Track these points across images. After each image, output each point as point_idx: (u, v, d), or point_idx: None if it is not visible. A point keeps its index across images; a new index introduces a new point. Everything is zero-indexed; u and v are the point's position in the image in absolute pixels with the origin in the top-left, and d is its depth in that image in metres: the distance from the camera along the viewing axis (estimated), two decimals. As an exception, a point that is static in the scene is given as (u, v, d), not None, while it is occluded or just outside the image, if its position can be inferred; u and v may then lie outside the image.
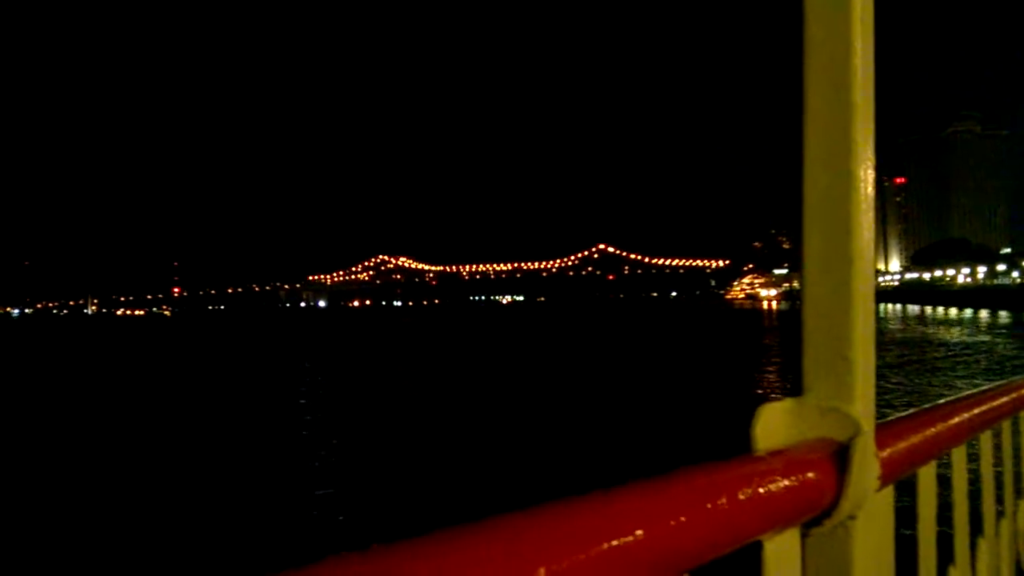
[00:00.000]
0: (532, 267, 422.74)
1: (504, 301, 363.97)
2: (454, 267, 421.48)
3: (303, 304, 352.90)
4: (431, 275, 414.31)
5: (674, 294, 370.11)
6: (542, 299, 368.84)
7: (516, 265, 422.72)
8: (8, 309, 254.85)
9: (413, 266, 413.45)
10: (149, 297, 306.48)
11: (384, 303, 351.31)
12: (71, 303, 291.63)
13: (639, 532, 0.62)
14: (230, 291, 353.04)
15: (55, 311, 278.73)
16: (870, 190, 0.95)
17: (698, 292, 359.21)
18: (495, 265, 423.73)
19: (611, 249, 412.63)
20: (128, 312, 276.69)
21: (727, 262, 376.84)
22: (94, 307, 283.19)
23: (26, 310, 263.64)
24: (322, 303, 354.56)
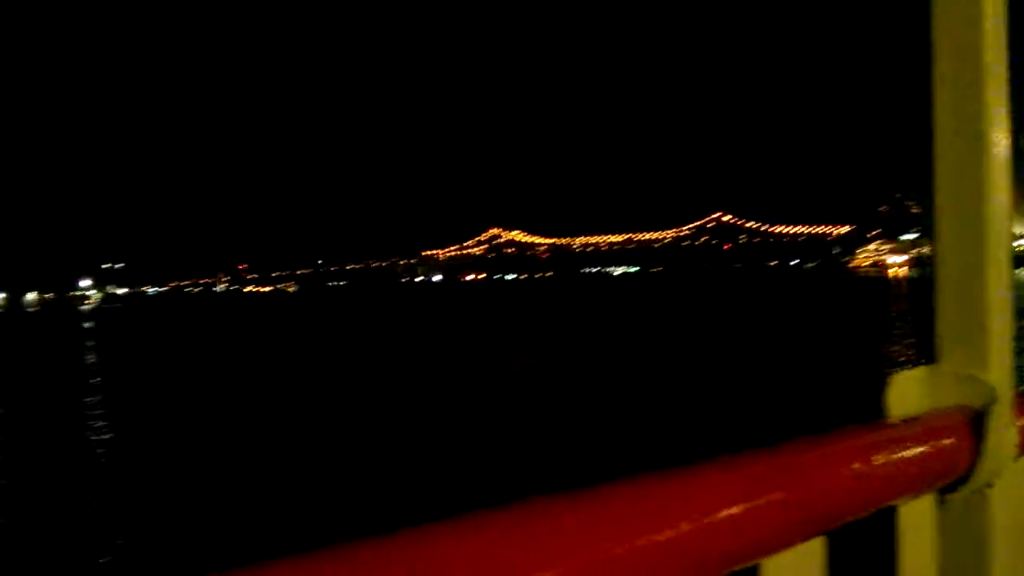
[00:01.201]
0: (645, 238, 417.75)
1: (615, 273, 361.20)
2: (566, 239, 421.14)
3: (419, 279, 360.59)
4: (543, 248, 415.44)
5: (795, 263, 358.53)
6: (657, 270, 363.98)
7: (629, 236, 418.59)
8: (144, 288, 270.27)
9: (525, 239, 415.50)
10: (275, 275, 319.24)
11: (497, 276, 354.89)
12: (202, 281, 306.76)
13: (779, 494, 0.72)
14: (349, 267, 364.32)
15: (187, 289, 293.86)
16: (1004, 152, 0.94)
17: (820, 260, 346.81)
18: (607, 236, 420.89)
19: (727, 217, 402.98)
20: (255, 289, 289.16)
21: (851, 228, 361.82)
22: (224, 285, 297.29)
23: (161, 288, 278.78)
24: (437, 277, 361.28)
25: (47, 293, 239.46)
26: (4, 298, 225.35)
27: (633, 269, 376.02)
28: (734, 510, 0.67)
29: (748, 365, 26.89)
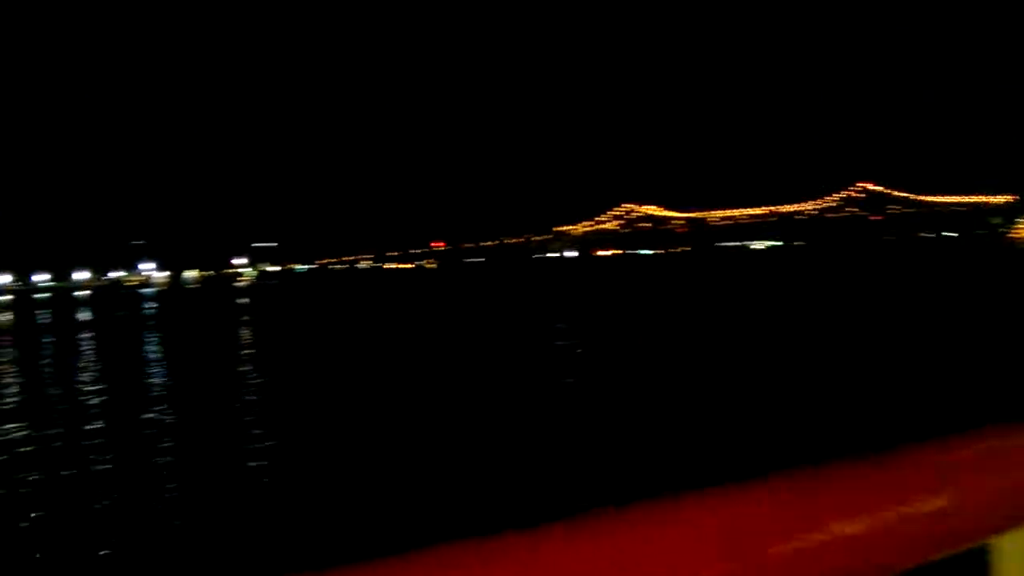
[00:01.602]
0: (787, 210, 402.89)
1: (755, 247, 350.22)
2: (703, 213, 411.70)
3: (553, 255, 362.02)
4: (679, 222, 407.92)
5: (949, 234, 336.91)
6: (800, 243, 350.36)
7: (769, 209, 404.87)
8: (293, 265, 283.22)
9: (661, 213, 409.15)
10: (415, 252, 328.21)
11: (631, 251, 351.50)
12: (346, 259, 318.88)
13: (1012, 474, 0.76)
14: (484, 244, 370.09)
15: (332, 266, 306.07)
16: None
17: (977, 231, 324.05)
18: (746, 209, 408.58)
19: (875, 187, 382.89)
20: (397, 266, 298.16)
21: (1013, 198, 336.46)
22: (367, 262, 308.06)
23: (309, 266, 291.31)
24: (571, 253, 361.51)
25: (206, 271, 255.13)
26: (167, 276, 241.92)
27: (774, 243, 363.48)
28: (973, 485, 0.69)
29: (905, 346, 25.65)
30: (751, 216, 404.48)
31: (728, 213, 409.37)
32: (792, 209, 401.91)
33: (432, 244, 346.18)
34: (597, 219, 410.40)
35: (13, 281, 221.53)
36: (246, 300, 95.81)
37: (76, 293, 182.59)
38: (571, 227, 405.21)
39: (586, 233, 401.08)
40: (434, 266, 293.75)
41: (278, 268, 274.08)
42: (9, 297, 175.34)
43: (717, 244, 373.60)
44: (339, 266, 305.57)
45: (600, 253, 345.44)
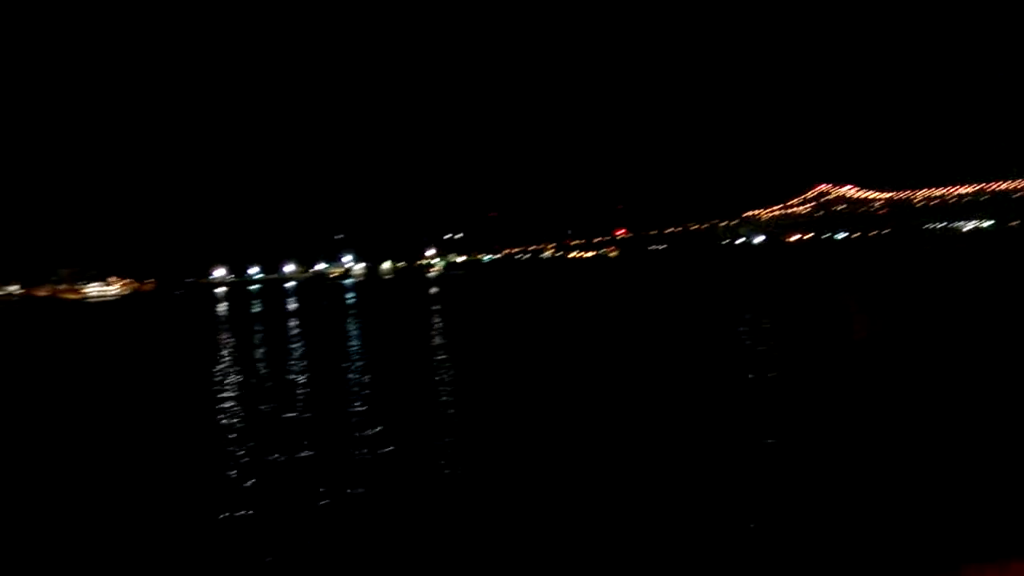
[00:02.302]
0: (1001, 187, 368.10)
1: (965, 228, 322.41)
2: (906, 193, 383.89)
3: (740, 240, 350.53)
4: (879, 203, 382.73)
5: None
6: (1015, 224, 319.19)
7: (981, 186, 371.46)
8: (479, 255, 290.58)
9: (858, 195, 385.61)
10: (597, 240, 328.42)
11: (825, 236, 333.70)
12: (531, 249, 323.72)
13: None
14: (669, 231, 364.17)
15: (518, 256, 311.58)
16: None
17: None
18: (955, 188, 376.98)
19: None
20: (579, 255, 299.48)
21: None
22: (551, 251, 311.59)
23: (495, 256, 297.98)
24: (759, 239, 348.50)
25: (399, 262, 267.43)
26: (364, 267, 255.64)
27: (986, 223, 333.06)
28: None
29: None
30: (959, 195, 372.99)
31: (934, 192, 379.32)
32: (1008, 187, 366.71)
33: (615, 232, 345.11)
34: (788, 203, 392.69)
35: (228, 273, 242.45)
36: (435, 289, 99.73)
37: (285, 284, 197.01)
38: (760, 211, 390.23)
39: (776, 217, 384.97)
40: (616, 254, 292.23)
41: (464, 258, 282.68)
42: (224, 289, 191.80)
43: (925, 226, 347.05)
44: (523, 256, 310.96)
45: (791, 238, 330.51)
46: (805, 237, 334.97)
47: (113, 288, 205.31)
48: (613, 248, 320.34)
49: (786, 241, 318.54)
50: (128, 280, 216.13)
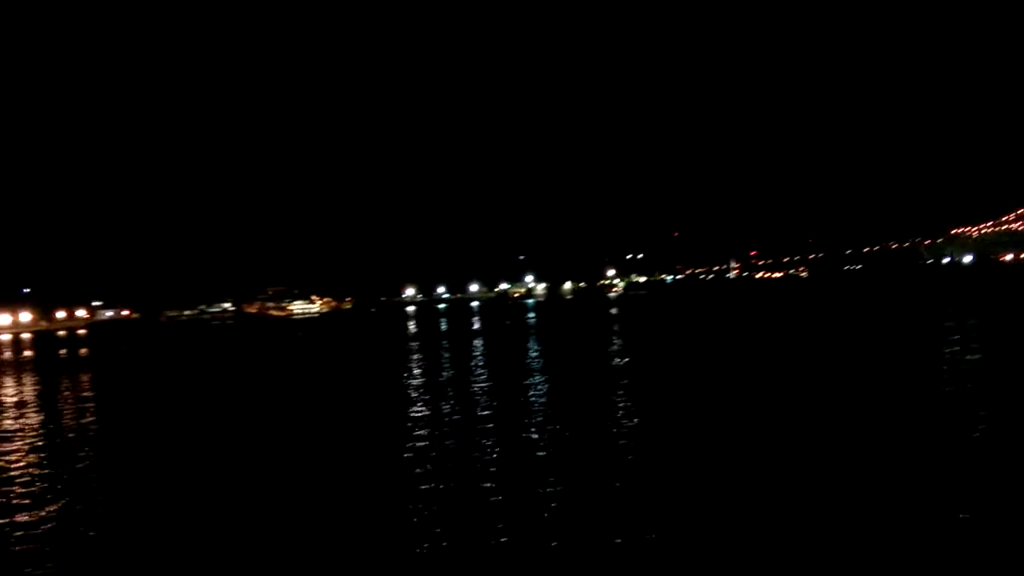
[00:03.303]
0: None
1: None
2: None
3: (945, 260, 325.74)
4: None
5: None
6: None
7: None
8: (662, 276, 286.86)
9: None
10: (785, 260, 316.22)
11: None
12: (715, 269, 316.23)
13: None
14: (867, 250, 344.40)
15: (701, 276, 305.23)
16: None
17: None
18: None
19: None
20: (766, 275, 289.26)
21: None
22: (736, 271, 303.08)
23: (677, 276, 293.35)
24: (967, 258, 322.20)
25: (580, 282, 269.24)
26: (545, 287, 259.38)
27: None
28: None
29: None
30: None
31: None
32: None
33: (805, 252, 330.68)
34: (1001, 218, 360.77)
35: (417, 292, 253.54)
36: (615, 310, 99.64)
37: (470, 303, 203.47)
38: (969, 228, 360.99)
39: (986, 234, 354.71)
40: (806, 274, 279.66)
41: (645, 279, 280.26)
42: (414, 307, 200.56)
43: None
44: (707, 276, 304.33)
45: (1005, 257, 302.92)
46: (1022, 256, 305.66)
47: (315, 306, 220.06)
48: (803, 268, 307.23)
49: (999, 260, 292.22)
50: (328, 299, 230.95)
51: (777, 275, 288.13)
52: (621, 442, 18.35)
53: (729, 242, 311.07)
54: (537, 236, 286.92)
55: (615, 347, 45.06)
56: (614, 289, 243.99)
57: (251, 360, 56.75)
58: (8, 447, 22.71)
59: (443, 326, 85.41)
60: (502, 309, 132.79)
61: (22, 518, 14.90)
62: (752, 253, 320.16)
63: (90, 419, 28.34)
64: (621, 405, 23.67)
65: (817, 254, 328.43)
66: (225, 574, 11.81)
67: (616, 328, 62.81)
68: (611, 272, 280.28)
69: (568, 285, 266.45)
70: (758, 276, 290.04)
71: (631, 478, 15.14)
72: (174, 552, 12.75)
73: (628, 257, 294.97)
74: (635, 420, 21.22)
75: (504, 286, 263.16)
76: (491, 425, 21.59)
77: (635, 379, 29.88)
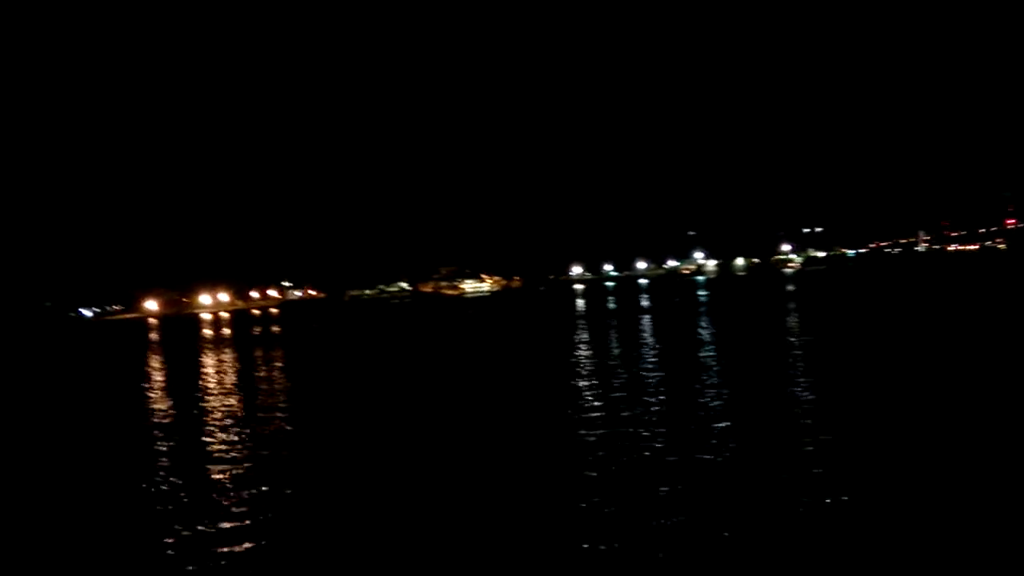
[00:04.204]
0: None
1: None
2: None
3: None
4: None
5: None
6: None
7: None
8: (843, 250, 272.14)
9: None
10: (981, 231, 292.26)
11: None
12: (902, 241, 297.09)
13: None
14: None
15: (887, 249, 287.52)
16: None
17: None
18: None
19: None
20: (959, 247, 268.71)
21: None
22: (925, 244, 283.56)
23: (860, 250, 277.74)
24: None
25: (753, 258, 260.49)
26: (716, 264, 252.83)
27: None
28: None
29: None
30: None
31: None
32: None
33: (1005, 221, 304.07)
34: None
35: (585, 271, 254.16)
36: (792, 287, 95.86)
37: (638, 280, 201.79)
38: None
39: None
40: (1004, 246, 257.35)
41: (824, 254, 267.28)
42: (582, 285, 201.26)
43: None
44: (893, 249, 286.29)
45: None
46: None
47: (485, 285, 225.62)
48: (1000, 239, 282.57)
49: None
50: (498, 278, 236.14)
51: (972, 247, 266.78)
52: (803, 422, 17.84)
53: (917, 212, 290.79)
54: (707, 210, 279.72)
55: (792, 325, 43.49)
56: (790, 265, 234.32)
57: (427, 336, 59.07)
58: (218, 411, 25.05)
59: (611, 304, 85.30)
60: (672, 286, 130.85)
61: (221, 467, 16.49)
62: (943, 224, 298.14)
63: (281, 396, 30.61)
64: (800, 388, 22.94)
65: (1018, 223, 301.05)
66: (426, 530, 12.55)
67: (793, 306, 60.47)
68: (787, 247, 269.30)
69: (740, 261, 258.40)
70: (950, 248, 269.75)
71: (814, 470, 14.73)
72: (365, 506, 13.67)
73: (805, 231, 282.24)
74: (813, 402, 20.53)
75: (673, 263, 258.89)
76: (661, 407, 21.53)
77: (813, 360, 28.80)
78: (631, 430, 18.61)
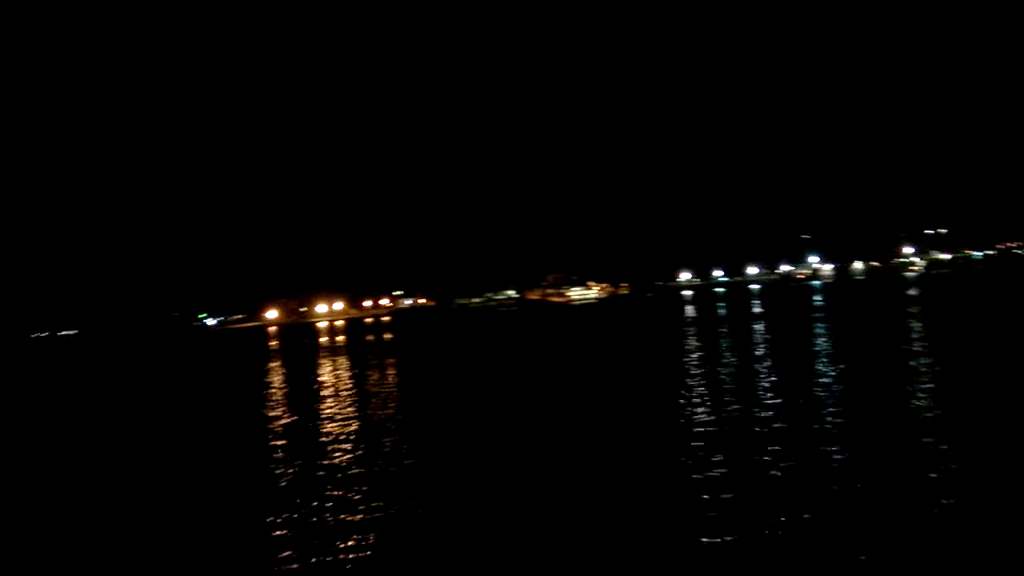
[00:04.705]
0: None
1: None
2: None
3: None
4: None
5: None
6: None
7: None
8: (969, 252, 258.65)
9: None
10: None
11: None
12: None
13: None
14: None
15: (1016, 250, 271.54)
16: None
17: None
18: None
19: None
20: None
21: None
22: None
23: (989, 252, 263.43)
24: None
25: (871, 261, 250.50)
26: (833, 268, 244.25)
27: None
28: None
29: None
30: None
31: None
32: None
33: None
34: None
35: (693, 277, 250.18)
36: (914, 291, 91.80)
37: (749, 286, 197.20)
38: None
39: None
40: None
41: (949, 256, 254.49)
42: (690, 292, 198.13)
43: None
44: (1021, 250, 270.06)
45: None
46: None
47: (592, 291, 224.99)
48: None
49: None
50: (605, 284, 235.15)
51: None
52: (924, 440, 17.23)
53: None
54: (822, 212, 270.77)
55: (915, 333, 41.72)
56: (912, 268, 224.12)
57: (535, 343, 59.46)
58: (336, 416, 26.05)
59: (721, 310, 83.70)
60: (785, 292, 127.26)
61: (337, 459, 17.17)
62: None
63: (391, 403, 31.51)
64: (920, 397, 22.10)
65: None
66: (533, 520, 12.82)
67: (916, 311, 57.91)
68: (908, 249, 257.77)
69: (858, 265, 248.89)
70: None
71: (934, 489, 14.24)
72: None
73: (928, 232, 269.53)
74: (935, 412, 19.75)
75: (786, 268, 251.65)
76: (774, 420, 21.14)
77: (936, 370, 27.63)
78: (741, 441, 18.38)
